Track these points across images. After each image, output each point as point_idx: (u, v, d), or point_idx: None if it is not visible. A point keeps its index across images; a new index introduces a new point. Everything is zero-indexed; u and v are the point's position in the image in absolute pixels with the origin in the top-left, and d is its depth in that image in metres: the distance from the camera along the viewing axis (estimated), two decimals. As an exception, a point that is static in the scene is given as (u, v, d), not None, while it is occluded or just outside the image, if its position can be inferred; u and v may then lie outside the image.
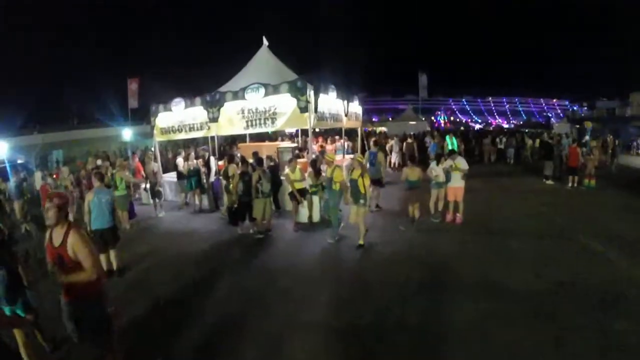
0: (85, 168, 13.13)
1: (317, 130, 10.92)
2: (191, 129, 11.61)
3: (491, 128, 68.11)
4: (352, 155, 14.53)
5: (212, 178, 10.68)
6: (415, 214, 8.81)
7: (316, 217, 9.21)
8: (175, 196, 12.66)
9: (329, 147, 14.76)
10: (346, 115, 12.01)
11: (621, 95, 47.42)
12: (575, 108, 70.37)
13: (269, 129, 10.27)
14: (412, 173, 8.69)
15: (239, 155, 10.00)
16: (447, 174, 8.56)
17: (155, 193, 10.94)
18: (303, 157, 11.08)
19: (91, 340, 3.48)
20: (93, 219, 6.36)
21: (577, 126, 36.61)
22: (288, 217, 9.39)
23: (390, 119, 48.06)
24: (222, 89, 11.43)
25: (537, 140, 22.11)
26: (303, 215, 8.98)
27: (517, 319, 4.61)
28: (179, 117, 11.79)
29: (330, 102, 10.77)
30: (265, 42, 12.86)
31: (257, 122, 10.03)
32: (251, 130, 10.56)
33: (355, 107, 13.40)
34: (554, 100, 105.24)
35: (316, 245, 7.57)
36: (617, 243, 7.08)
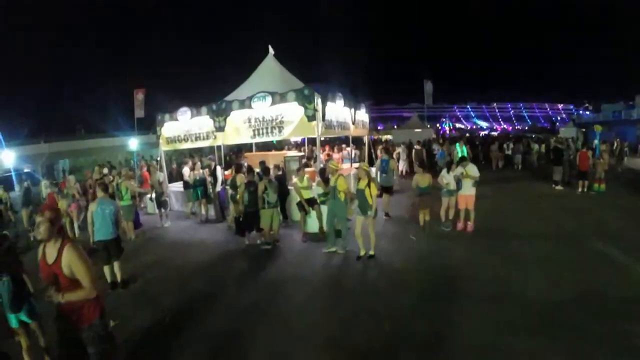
0: (92, 177, 13.13)
1: (323, 138, 10.79)
2: (197, 138, 11.55)
3: (496, 134, 67.90)
4: (360, 163, 14.50)
5: (219, 188, 10.57)
6: (426, 219, 8.71)
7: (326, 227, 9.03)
8: (181, 206, 12.57)
9: (335, 155, 14.66)
10: (353, 123, 11.90)
11: (625, 97, 47.24)
12: (580, 112, 70.12)
13: (276, 137, 10.16)
14: (422, 179, 8.65)
15: (246, 164, 9.88)
16: (458, 181, 8.41)
17: (161, 203, 10.86)
18: (311, 166, 10.95)
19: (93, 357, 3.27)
20: (96, 230, 6.26)
21: (584, 130, 36.32)
22: (296, 227, 9.26)
23: (395, 126, 47.94)
24: (229, 97, 11.38)
25: (543, 145, 21.98)
26: (311, 225, 8.82)
27: (536, 329, 4.46)
28: (185, 126, 11.74)
29: (338, 110, 10.67)
30: (271, 50, 12.83)
31: (264, 131, 9.93)
32: (258, 140, 10.47)
33: (362, 115, 13.31)
34: (559, 105, 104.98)
35: (325, 256, 7.40)
36: (633, 248, 6.91)
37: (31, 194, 12.03)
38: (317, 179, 8.88)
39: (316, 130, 9.27)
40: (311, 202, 8.58)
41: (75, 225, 10.06)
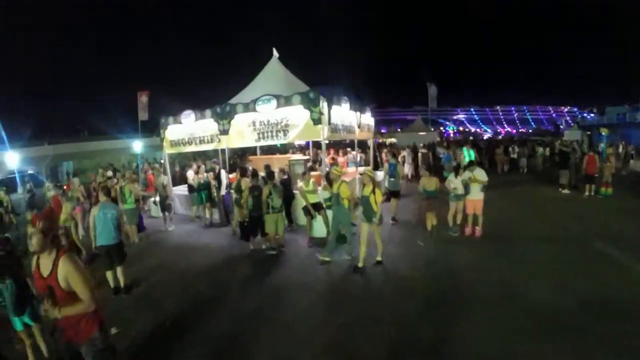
0: (95, 180, 13.08)
1: (327, 142, 10.71)
2: (201, 141, 11.48)
3: (500, 137, 67.66)
4: (364, 168, 14.39)
5: (223, 191, 10.47)
6: (433, 223, 8.62)
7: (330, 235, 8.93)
8: (185, 209, 12.49)
9: (340, 159, 14.56)
10: (359, 127, 11.80)
11: (629, 99, 46.95)
12: (584, 114, 69.77)
13: (281, 141, 10.07)
14: (429, 183, 8.57)
15: (250, 168, 9.79)
16: (466, 186, 8.30)
17: (165, 206, 10.78)
18: (316, 169, 10.85)
19: None
20: (98, 234, 6.19)
21: (588, 133, 36.12)
22: (301, 232, 9.15)
23: (398, 130, 47.84)
24: (233, 100, 11.31)
25: (547, 149, 21.83)
26: (317, 230, 8.70)
27: (544, 335, 4.41)
28: (189, 129, 11.67)
29: (343, 114, 10.58)
30: (276, 53, 12.77)
31: (269, 134, 9.83)
32: (262, 143, 10.38)
33: (367, 119, 13.22)
34: (563, 108, 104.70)
35: (332, 262, 7.24)
36: (641, 252, 6.81)
37: (35, 197, 11.97)
38: (323, 183, 8.77)
39: (322, 134, 9.17)
40: (317, 206, 8.47)
41: (80, 229, 9.98)
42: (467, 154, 14.21)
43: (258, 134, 9.99)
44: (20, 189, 14.16)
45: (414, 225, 9.55)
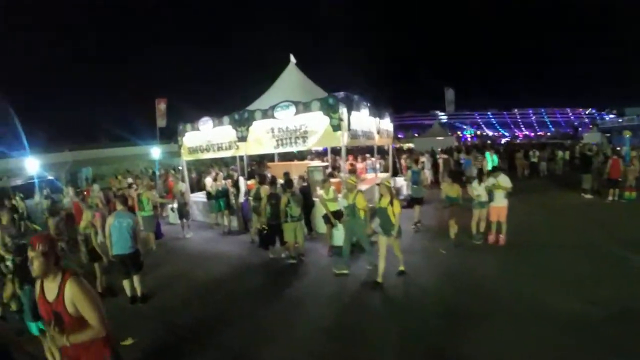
0: (115, 186, 13.16)
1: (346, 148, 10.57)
2: (219, 148, 11.43)
3: (518, 140, 66.62)
4: (384, 175, 14.17)
5: (242, 199, 10.37)
6: (455, 230, 8.42)
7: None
8: (203, 216, 12.45)
9: (359, 165, 14.36)
10: (378, 133, 11.62)
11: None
12: (603, 116, 68.37)
13: (300, 147, 9.93)
14: (451, 190, 8.42)
15: (269, 175, 9.67)
16: (490, 192, 8.07)
17: (183, 213, 10.74)
18: (336, 176, 10.68)
19: None
20: (114, 243, 6.13)
21: (608, 135, 35.22)
22: (321, 240, 8.98)
23: (416, 135, 47.43)
24: (251, 107, 11.23)
25: (567, 152, 21.33)
26: (338, 238, 8.49)
27: (575, 348, 4.23)
28: (207, 136, 11.64)
29: (363, 120, 10.41)
30: (293, 59, 12.67)
31: (288, 141, 9.71)
32: (281, 150, 10.26)
33: (386, 124, 13.02)
34: (580, 110, 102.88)
35: (353, 271, 7.05)
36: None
37: (57, 203, 12.06)
38: (344, 190, 8.59)
39: (342, 140, 9.01)
40: (338, 214, 8.28)
41: (100, 235, 10.00)
42: (490, 160, 13.86)
43: (277, 140, 9.88)
44: (37, 196, 14.28)
45: (436, 232, 9.31)
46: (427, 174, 16.78)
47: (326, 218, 8.32)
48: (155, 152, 16.88)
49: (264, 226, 8.31)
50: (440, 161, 16.61)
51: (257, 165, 14.82)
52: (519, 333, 4.58)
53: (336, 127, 8.89)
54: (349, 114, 9.17)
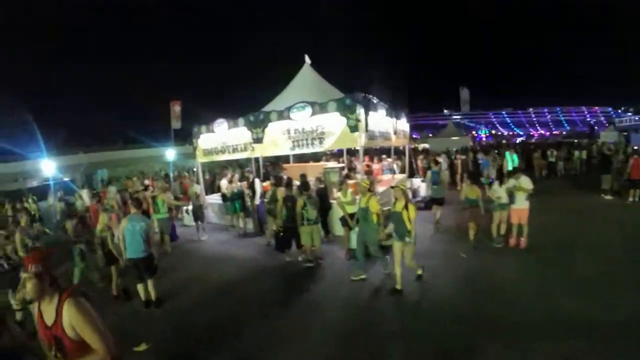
0: (132, 187, 13.18)
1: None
2: (234, 150, 11.36)
3: (533, 140, 65.63)
4: (401, 176, 13.97)
5: (257, 201, 10.27)
6: (474, 232, 8.27)
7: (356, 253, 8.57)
8: (218, 219, 12.39)
9: (375, 166, 14.16)
10: (395, 133, 11.44)
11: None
12: (619, 114, 66.93)
13: (316, 149, 9.80)
14: (470, 191, 8.26)
15: (285, 177, 9.56)
16: (510, 194, 7.84)
17: (198, 215, 10.68)
18: (352, 177, 10.53)
19: None
20: (127, 247, 6.07)
21: (625, 134, 34.42)
22: (338, 243, 8.84)
23: (430, 135, 47.05)
24: (266, 108, 11.13)
25: (584, 152, 20.86)
26: (355, 241, 8.36)
27: (594, 355, 4.05)
28: (222, 138, 11.59)
29: (380, 120, 10.24)
30: (308, 60, 12.55)
31: (304, 142, 9.58)
32: (297, 151, 10.14)
33: (403, 125, 12.83)
34: (596, 108, 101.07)
35: (370, 275, 6.88)
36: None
37: (71, 206, 12.12)
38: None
39: (359, 142, 8.85)
40: (355, 217, 8.13)
41: (116, 238, 10.00)
42: (510, 160, 13.52)
43: (293, 142, 9.76)
44: (50, 198, 14.39)
45: (456, 235, 9.12)
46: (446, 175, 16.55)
47: (344, 220, 8.17)
48: (170, 153, 16.93)
49: (280, 229, 8.20)
50: (458, 162, 16.29)
51: (272, 166, 14.74)
52: (538, 340, 4.41)
53: (353, 128, 8.74)
54: (367, 114, 9.02)
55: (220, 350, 4.75)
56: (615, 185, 12.86)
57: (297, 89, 11.69)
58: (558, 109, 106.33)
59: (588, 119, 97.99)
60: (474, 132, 68.04)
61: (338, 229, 9.10)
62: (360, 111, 8.80)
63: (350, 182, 9.37)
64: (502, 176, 8.90)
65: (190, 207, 11.09)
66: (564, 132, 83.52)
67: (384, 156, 16.05)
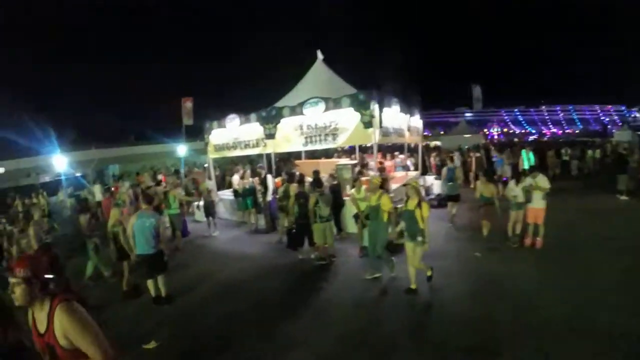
0: (144, 182, 13.22)
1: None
2: (246, 145, 11.31)
3: (546, 138, 64.87)
4: (414, 173, 13.79)
5: (269, 197, 10.19)
6: (488, 228, 8.22)
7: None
8: (229, 214, 12.35)
9: (388, 163, 13.99)
10: (408, 130, 11.28)
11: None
12: (634, 113, 65.99)
13: (329, 145, 9.70)
14: (486, 189, 8.16)
15: (297, 173, 9.46)
16: (527, 193, 7.66)
17: (210, 211, 10.64)
18: (366, 175, 10.40)
19: None
20: (136, 243, 6.01)
21: (639, 133, 33.79)
22: (351, 240, 8.72)
23: (442, 132, 46.68)
24: (279, 104, 11.05)
25: (597, 151, 20.50)
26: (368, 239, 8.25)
27: None
28: (234, 133, 11.53)
29: (394, 116, 10.09)
30: (320, 55, 12.43)
31: (317, 138, 9.48)
32: (310, 147, 10.05)
33: (416, 121, 12.66)
34: (609, 106, 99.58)
35: (384, 274, 6.70)
36: None
37: (87, 201, 12.15)
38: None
39: (373, 138, 8.71)
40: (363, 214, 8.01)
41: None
42: (527, 158, 13.27)
43: (305, 138, 9.67)
44: (61, 194, 14.50)
45: (470, 234, 8.94)
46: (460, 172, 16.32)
47: (357, 217, 8.05)
48: (181, 149, 16.96)
49: (292, 226, 8.11)
50: (472, 159, 16.04)
51: (283, 163, 14.67)
52: (575, 350, 4.21)
53: (367, 124, 8.62)
54: (381, 110, 8.88)
55: (230, 349, 4.67)
56: (630, 185, 12.58)
57: (310, 85, 11.60)
58: (571, 107, 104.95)
59: (602, 118, 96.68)
60: (485, 130, 67.28)
61: (351, 226, 8.98)
62: (375, 107, 8.67)
63: (364, 178, 9.25)
64: (518, 175, 8.72)
65: (201, 203, 11.05)
66: (577, 131, 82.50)
67: (396, 153, 15.89)
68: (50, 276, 2.29)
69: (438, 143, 30.45)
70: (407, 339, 4.66)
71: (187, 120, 15.97)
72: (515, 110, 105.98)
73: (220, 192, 12.89)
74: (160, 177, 14.67)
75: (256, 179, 10.66)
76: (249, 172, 11.59)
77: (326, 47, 12.56)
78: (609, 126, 67.77)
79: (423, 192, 10.73)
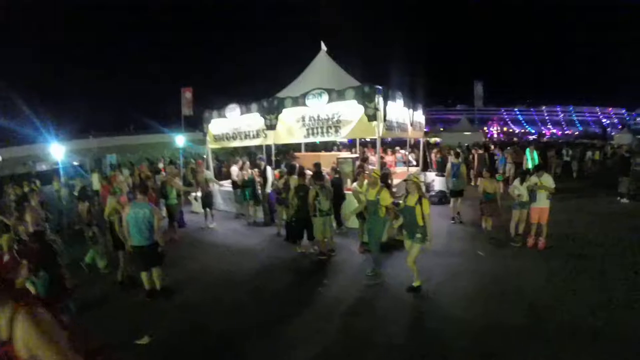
0: (143, 172, 13.03)
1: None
2: (246, 136, 11.12)
3: (545, 139, 64.84)
4: (415, 169, 13.63)
5: (269, 189, 10.00)
6: (488, 226, 8.36)
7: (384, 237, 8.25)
8: (226, 206, 12.17)
9: (388, 158, 13.84)
10: (411, 125, 11.10)
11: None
12: (634, 116, 66.04)
13: (331, 138, 9.52)
14: (489, 185, 8.18)
15: (298, 166, 9.28)
16: (531, 193, 7.55)
17: (207, 202, 10.46)
18: (367, 169, 10.22)
19: None
20: (131, 234, 5.83)
21: (639, 137, 33.73)
22: (352, 235, 8.56)
23: (442, 129, 46.53)
24: (281, 94, 10.83)
25: (597, 152, 20.45)
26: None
27: None
28: (234, 124, 11.34)
29: (398, 110, 9.91)
30: (324, 47, 12.20)
31: (319, 130, 9.29)
32: (312, 139, 9.87)
33: (419, 116, 12.48)
34: (610, 109, 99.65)
35: (385, 271, 6.54)
36: None
37: (87, 190, 11.93)
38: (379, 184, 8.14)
39: (377, 131, 8.52)
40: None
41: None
42: (531, 158, 13.12)
43: (307, 129, 9.48)
44: (55, 183, 14.26)
45: (473, 232, 8.84)
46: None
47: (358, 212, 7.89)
48: (180, 140, 16.74)
49: (291, 219, 7.94)
50: (475, 156, 15.89)
51: (283, 155, 14.47)
52: (558, 350, 4.14)
53: (372, 117, 8.43)
54: (385, 103, 8.69)
55: (225, 346, 4.55)
56: (631, 188, 12.47)
57: (313, 76, 11.35)
58: (571, 108, 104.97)
59: (602, 120, 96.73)
60: (485, 128, 67.22)
61: (352, 221, 8.80)
62: (379, 100, 8.48)
63: (367, 172, 9.09)
64: (524, 174, 8.57)
65: (199, 194, 10.86)
66: (577, 133, 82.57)
67: (397, 148, 15.73)
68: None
69: (437, 139, 30.32)
70: (408, 340, 4.54)
71: (186, 111, 15.76)
72: (516, 109, 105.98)
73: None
74: (161, 165, 14.48)
75: (256, 171, 10.47)
76: (247, 163, 11.39)
77: (328, 44, 12.34)
78: (608, 129, 67.70)
79: (424, 188, 10.58)
